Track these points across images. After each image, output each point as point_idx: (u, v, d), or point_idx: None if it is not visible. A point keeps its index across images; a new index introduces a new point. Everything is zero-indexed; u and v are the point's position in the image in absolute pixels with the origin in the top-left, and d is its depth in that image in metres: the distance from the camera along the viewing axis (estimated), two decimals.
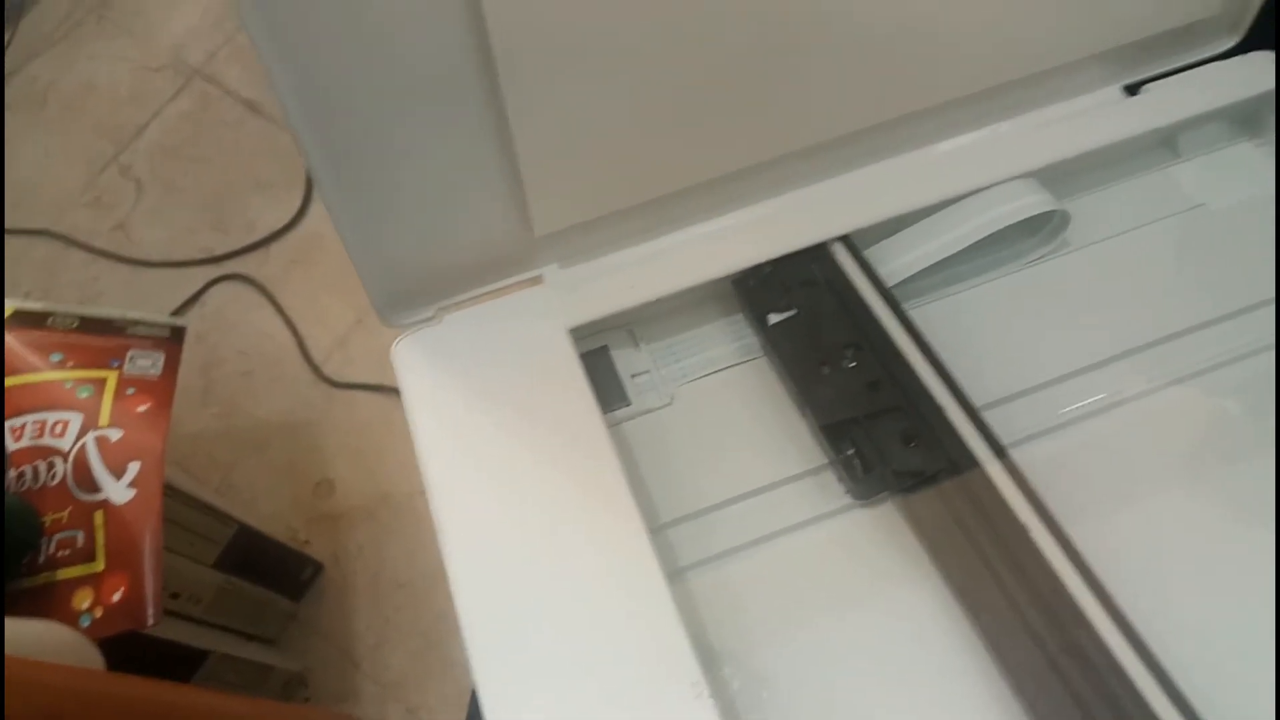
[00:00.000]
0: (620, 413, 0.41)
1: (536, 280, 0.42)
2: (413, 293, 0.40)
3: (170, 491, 0.89)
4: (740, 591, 0.36)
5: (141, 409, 0.81)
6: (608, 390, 0.41)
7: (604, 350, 0.42)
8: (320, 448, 1.23)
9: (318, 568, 1.16)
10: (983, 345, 0.41)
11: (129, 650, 0.69)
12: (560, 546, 0.34)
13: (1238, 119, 0.48)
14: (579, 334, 0.40)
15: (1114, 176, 0.47)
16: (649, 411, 0.41)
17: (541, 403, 0.38)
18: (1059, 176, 0.45)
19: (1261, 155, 0.47)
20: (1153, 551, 0.35)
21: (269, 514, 1.15)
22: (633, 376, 0.42)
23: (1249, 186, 0.46)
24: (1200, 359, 0.40)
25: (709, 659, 0.34)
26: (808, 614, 0.36)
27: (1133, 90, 0.46)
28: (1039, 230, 0.44)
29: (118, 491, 0.78)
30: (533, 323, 0.40)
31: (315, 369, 1.29)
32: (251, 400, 1.29)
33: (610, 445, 0.36)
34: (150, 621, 0.74)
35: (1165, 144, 0.48)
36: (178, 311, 1.33)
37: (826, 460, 0.39)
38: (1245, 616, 0.34)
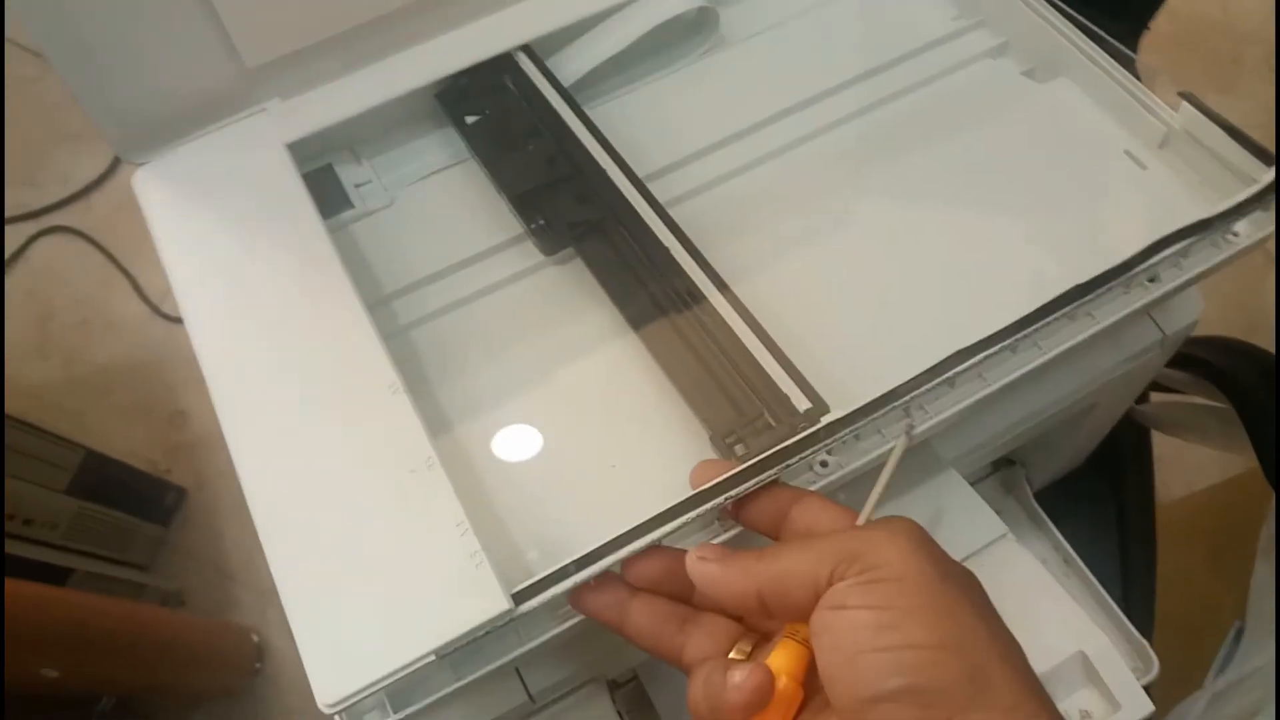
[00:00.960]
0: (346, 215, 0.47)
1: (262, 113, 0.47)
2: (147, 132, 0.46)
3: (9, 419, 0.92)
4: (452, 339, 0.44)
5: None
6: (334, 199, 0.47)
7: (328, 167, 0.48)
8: (168, 382, 1.26)
9: (181, 493, 1.19)
10: (652, 128, 0.49)
11: None
12: (293, 327, 0.40)
13: None
14: (300, 152, 0.46)
15: None
16: (372, 213, 0.47)
17: (267, 211, 0.44)
18: None
19: None
20: (768, 266, 0.44)
21: (126, 451, 1.17)
22: (356, 186, 0.48)
23: None
24: (823, 121, 0.49)
25: (424, 389, 0.42)
26: (511, 348, 0.43)
27: None
28: (699, 31, 0.52)
29: None
30: (255, 143, 0.46)
31: (153, 307, 1.31)
32: (91, 347, 1.30)
33: (325, 235, 0.42)
34: None
35: None
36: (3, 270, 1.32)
37: (523, 230, 0.46)
38: (844, 302, 0.43)
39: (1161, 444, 0.66)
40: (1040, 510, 0.58)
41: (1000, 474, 0.59)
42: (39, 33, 0.41)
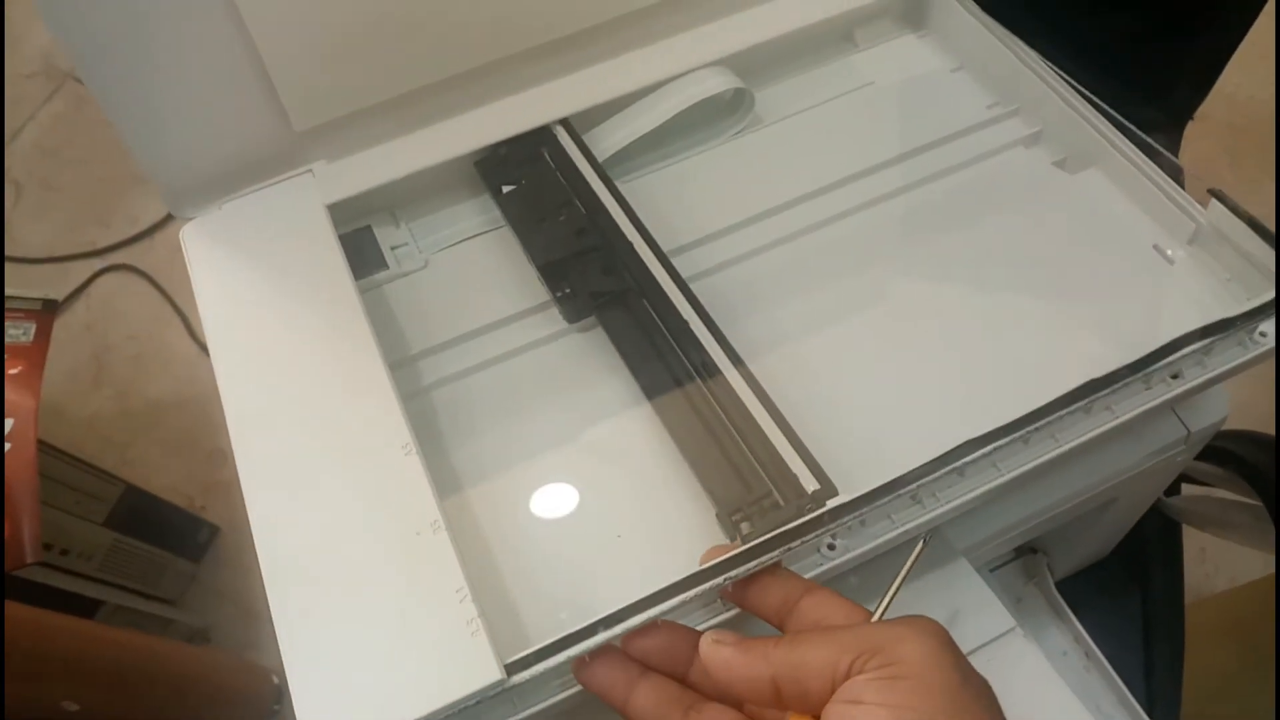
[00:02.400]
0: (380, 276, 0.49)
1: (308, 174, 0.49)
2: (197, 189, 0.48)
3: (54, 452, 0.95)
4: (473, 400, 0.44)
5: (14, 371, 0.87)
6: (370, 259, 0.49)
7: (367, 229, 0.50)
8: (211, 420, 1.28)
9: (214, 530, 1.21)
10: (681, 204, 0.50)
11: (20, 600, 0.74)
12: (315, 382, 0.41)
13: (903, 15, 0.57)
14: (341, 213, 0.48)
15: (804, 65, 0.56)
16: (406, 274, 0.49)
17: (303, 268, 0.45)
18: (752, 66, 0.54)
19: (923, 45, 0.57)
20: (787, 344, 0.45)
21: (165, 485, 1.20)
22: (393, 248, 0.50)
23: (911, 68, 0.56)
24: (851, 203, 0.50)
25: (438, 448, 0.42)
26: (528, 413, 0.44)
27: None
28: (734, 111, 0.53)
29: None
30: (298, 204, 0.48)
31: (202, 347, 1.35)
32: (143, 381, 1.34)
33: (355, 295, 0.44)
34: (28, 559, 0.79)
35: (845, 38, 0.57)
36: (65, 302, 1.37)
37: (549, 296, 0.47)
38: (859, 385, 0.43)
39: (1203, 535, 0.65)
40: (1062, 600, 0.56)
41: (1022, 560, 0.58)
42: (99, 89, 0.43)
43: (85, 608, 0.95)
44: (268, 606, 0.35)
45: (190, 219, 0.48)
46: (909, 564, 0.35)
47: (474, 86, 0.51)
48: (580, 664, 0.33)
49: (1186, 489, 0.63)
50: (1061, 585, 0.57)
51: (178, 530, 1.15)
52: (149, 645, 0.94)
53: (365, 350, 0.42)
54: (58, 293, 1.38)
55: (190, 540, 1.16)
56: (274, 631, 0.34)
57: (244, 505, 0.39)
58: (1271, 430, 0.57)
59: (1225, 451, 0.56)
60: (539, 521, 0.40)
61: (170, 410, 1.31)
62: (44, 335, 0.92)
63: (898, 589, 0.34)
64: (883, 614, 0.33)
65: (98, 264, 1.42)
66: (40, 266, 1.39)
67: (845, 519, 0.36)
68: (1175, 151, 0.71)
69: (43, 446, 0.88)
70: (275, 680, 1.06)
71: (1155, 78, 0.65)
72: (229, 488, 1.25)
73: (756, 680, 0.30)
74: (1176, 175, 0.52)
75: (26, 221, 1.43)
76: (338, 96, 0.48)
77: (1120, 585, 0.61)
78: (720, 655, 0.31)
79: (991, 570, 0.54)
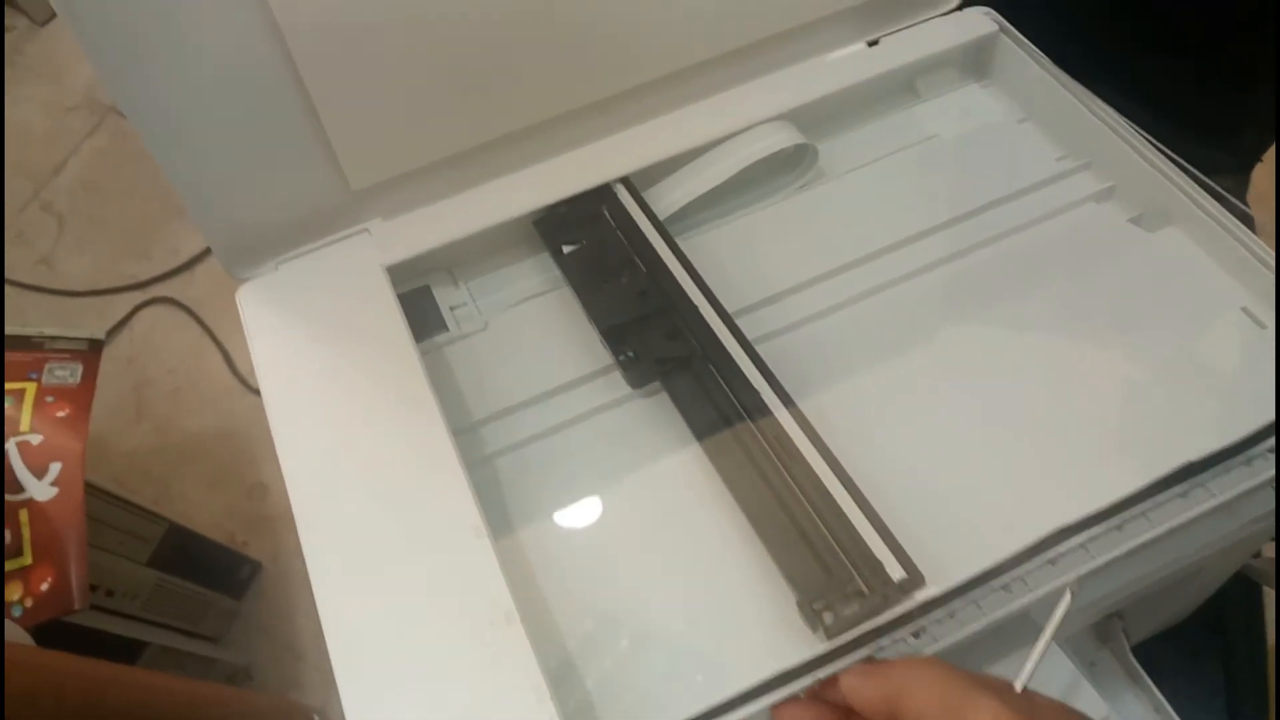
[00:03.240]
0: (441, 338, 0.48)
1: (364, 232, 0.49)
2: (254, 249, 0.47)
3: (98, 493, 0.95)
4: (538, 469, 0.43)
5: (61, 414, 0.87)
6: (430, 321, 0.48)
7: (426, 289, 0.49)
8: (252, 454, 1.28)
9: (256, 566, 1.21)
10: (745, 262, 0.49)
11: (68, 644, 0.74)
12: (381, 457, 0.40)
13: (966, 65, 0.56)
14: (400, 274, 0.47)
15: (866, 118, 0.55)
16: (466, 336, 0.48)
17: (362, 330, 0.44)
18: (814, 120, 0.53)
19: (986, 95, 0.55)
20: (859, 414, 0.43)
21: (207, 521, 1.20)
22: (452, 309, 0.49)
23: (975, 119, 0.54)
24: (920, 262, 0.48)
25: (504, 522, 0.41)
26: (594, 485, 0.43)
27: (874, 45, 0.55)
28: (796, 165, 0.52)
29: (41, 490, 0.83)
30: (356, 264, 0.47)
31: (242, 380, 1.35)
32: (183, 415, 1.34)
33: (417, 360, 0.43)
34: (76, 605, 0.79)
35: (907, 88, 0.56)
36: (107, 336, 1.38)
37: (612, 361, 0.46)
38: (940, 462, 0.42)
39: None
40: (1139, 666, 0.54)
41: (1096, 624, 0.55)
42: (156, 148, 0.43)
43: (130, 650, 0.94)
44: (310, 645, 0.34)
45: (246, 279, 0.48)
46: (1056, 621, 0.33)
47: (531, 143, 0.50)
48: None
49: (1267, 548, 0.61)
50: (1138, 650, 0.55)
51: (220, 568, 1.14)
52: (192, 691, 0.93)
53: (430, 419, 0.41)
54: (101, 326, 1.40)
55: (233, 577, 1.16)
56: (316, 670, 0.33)
57: (286, 541, 0.38)
58: None
59: None
60: (611, 606, 0.39)
61: (211, 444, 1.31)
62: (90, 376, 0.92)
63: (1044, 650, 0.32)
64: (1026, 683, 0.31)
65: (139, 297, 1.43)
66: (83, 300, 1.40)
67: (935, 612, 0.34)
68: (1241, 196, 0.69)
69: (88, 488, 0.88)
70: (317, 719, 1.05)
71: (1222, 121, 0.63)
72: (271, 522, 1.25)
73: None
74: (1247, 222, 0.50)
75: (70, 254, 1.45)
76: (395, 155, 0.47)
77: (1199, 649, 0.58)
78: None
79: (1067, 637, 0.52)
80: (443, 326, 0.48)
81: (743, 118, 0.51)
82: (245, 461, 1.28)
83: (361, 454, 0.41)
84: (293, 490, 0.41)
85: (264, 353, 0.45)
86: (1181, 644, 0.59)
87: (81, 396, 0.89)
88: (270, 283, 0.47)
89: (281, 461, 0.42)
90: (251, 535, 1.24)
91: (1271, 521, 0.46)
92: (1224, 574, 0.54)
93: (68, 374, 0.91)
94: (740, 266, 0.49)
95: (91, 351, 0.93)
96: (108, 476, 1.26)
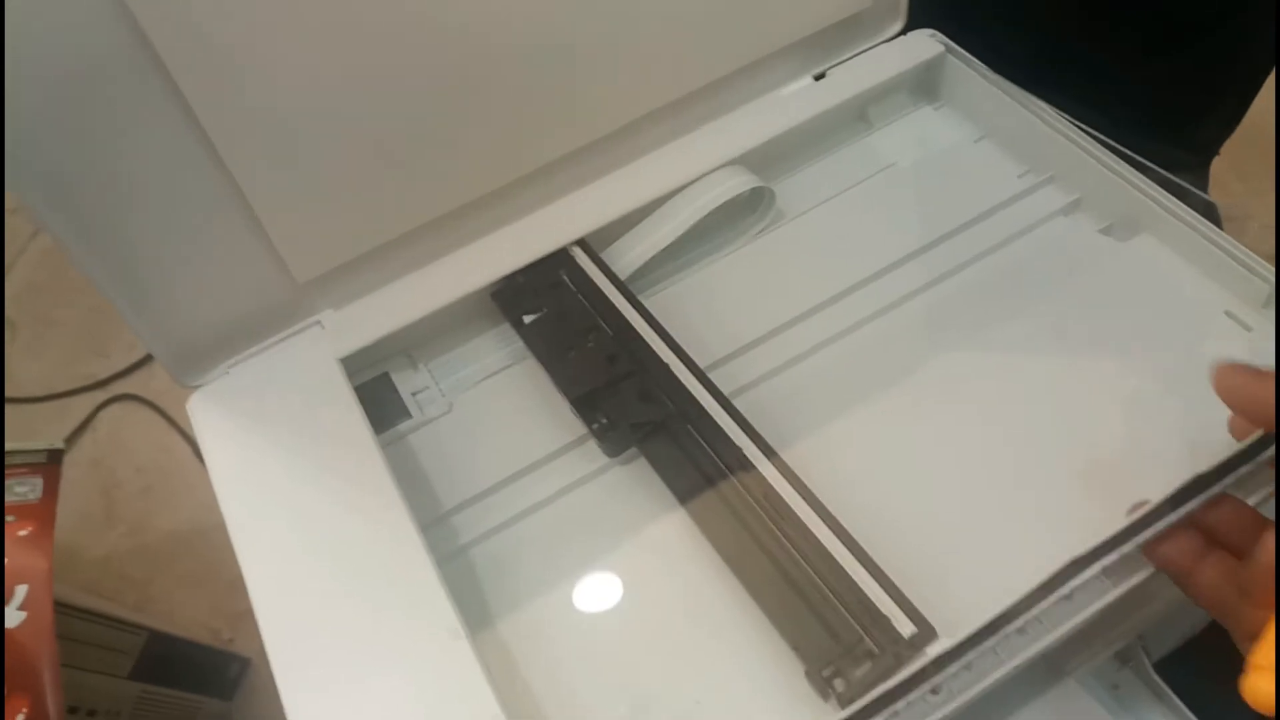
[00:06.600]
0: (404, 426, 0.46)
1: (316, 325, 0.47)
2: (201, 354, 0.45)
3: (70, 610, 0.91)
4: (517, 554, 0.41)
5: (23, 533, 0.84)
6: (392, 410, 0.46)
7: (385, 376, 0.47)
8: (230, 547, 1.25)
9: (245, 663, 1.17)
10: (713, 314, 0.47)
11: None
12: (347, 562, 0.38)
13: (916, 89, 0.55)
14: (356, 363, 0.45)
15: (820, 153, 0.54)
16: (430, 421, 0.46)
17: (319, 430, 0.42)
18: (768, 160, 0.51)
19: (940, 117, 0.55)
20: (845, 461, 0.41)
21: (190, 620, 1.16)
22: (414, 394, 0.47)
23: (931, 143, 0.53)
24: (892, 296, 0.47)
25: (484, 617, 0.39)
26: (577, 565, 0.41)
27: (821, 78, 0.54)
28: (755, 209, 0.51)
29: (8, 616, 0.80)
30: (310, 360, 0.45)
31: None
32: (156, 514, 1.30)
33: (379, 456, 0.41)
34: None
35: (859, 118, 0.55)
36: (69, 440, 1.34)
37: (586, 430, 0.44)
38: (935, 504, 0.40)
39: None
40: (1162, 683, 0.52)
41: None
42: (86, 266, 0.41)
43: None
44: None
45: (196, 387, 0.45)
46: None
47: (481, 214, 0.48)
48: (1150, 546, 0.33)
49: None
50: (1159, 665, 0.53)
51: (207, 670, 1.10)
52: None
53: (395, 517, 0.39)
54: (61, 430, 1.36)
55: (221, 678, 1.12)
56: None
57: None
58: None
59: None
60: (608, 697, 0.36)
61: (188, 540, 1.27)
62: (52, 489, 0.89)
63: None
64: None
65: (100, 396, 1.39)
66: (41, 405, 1.37)
67: (951, 667, 0.32)
68: (1204, 189, 0.68)
69: (60, 606, 0.84)
70: None
71: (1180, 118, 0.63)
72: (256, 615, 1.21)
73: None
74: (1214, 216, 0.49)
75: (24, 360, 1.41)
76: (339, 242, 0.45)
77: (1221, 663, 0.56)
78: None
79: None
80: (405, 414, 0.46)
81: (694, 167, 0.50)
82: (225, 556, 1.22)
83: (325, 562, 0.39)
84: (258, 607, 0.38)
85: (220, 464, 0.42)
86: (1201, 658, 0.57)
87: (43, 511, 0.85)
88: (221, 389, 0.45)
89: (245, 577, 0.40)
90: (238, 631, 1.20)
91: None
92: None
93: (27, 490, 0.88)
94: (708, 319, 0.47)
95: (51, 463, 0.90)
96: (81, 585, 1.21)
